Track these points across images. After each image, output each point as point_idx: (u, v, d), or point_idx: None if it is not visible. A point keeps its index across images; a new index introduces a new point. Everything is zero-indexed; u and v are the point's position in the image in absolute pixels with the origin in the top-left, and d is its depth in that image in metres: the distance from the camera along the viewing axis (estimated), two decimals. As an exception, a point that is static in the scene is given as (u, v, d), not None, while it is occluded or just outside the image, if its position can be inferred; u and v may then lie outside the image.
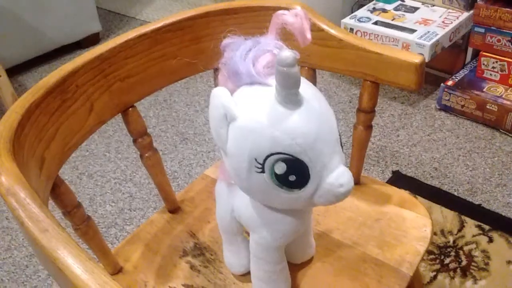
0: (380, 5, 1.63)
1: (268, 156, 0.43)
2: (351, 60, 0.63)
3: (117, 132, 1.59)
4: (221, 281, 0.64)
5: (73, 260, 0.36)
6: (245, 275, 0.63)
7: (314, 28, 0.64)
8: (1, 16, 1.76)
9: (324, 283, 0.62)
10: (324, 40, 0.64)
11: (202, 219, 0.73)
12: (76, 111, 0.57)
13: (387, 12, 1.59)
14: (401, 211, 0.70)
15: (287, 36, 0.47)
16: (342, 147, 0.47)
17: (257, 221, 0.53)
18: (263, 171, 0.44)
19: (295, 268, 0.63)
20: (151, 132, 1.57)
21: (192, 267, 0.66)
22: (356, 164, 0.73)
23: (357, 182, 0.75)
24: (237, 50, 0.46)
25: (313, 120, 0.43)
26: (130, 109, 0.65)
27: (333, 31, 0.63)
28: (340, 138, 0.46)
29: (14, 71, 1.85)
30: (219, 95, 0.44)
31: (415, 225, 0.68)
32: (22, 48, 1.85)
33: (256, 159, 0.43)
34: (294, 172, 0.43)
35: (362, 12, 1.60)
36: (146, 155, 0.68)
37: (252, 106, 0.44)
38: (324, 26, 0.63)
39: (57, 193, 0.56)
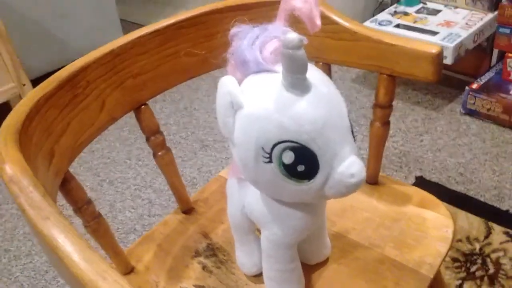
0: (401, 8, 1.61)
1: (275, 145, 0.41)
2: (366, 53, 0.62)
3: (138, 140, 1.60)
4: (233, 282, 0.62)
5: (73, 248, 0.35)
6: (258, 276, 0.61)
7: (327, 21, 0.62)
8: (28, 27, 1.81)
9: (340, 285, 0.59)
10: (337, 33, 0.62)
11: (215, 220, 0.71)
12: (87, 106, 0.57)
13: (408, 15, 1.56)
14: (421, 211, 0.67)
15: (296, 25, 0.46)
16: (354, 137, 0.45)
17: (267, 217, 0.51)
18: (270, 161, 0.42)
19: (310, 269, 0.61)
20: (171, 139, 1.58)
21: (204, 267, 0.64)
22: (374, 163, 0.70)
23: (375, 182, 0.72)
24: (245, 38, 0.45)
25: (321, 106, 0.41)
26: (143, 106, 0.64)
27: (346, 24, 0.61)
28: (352, 127, 0.45)
29: (39, 82, 1.89)
30: (226, 83, 0.43)
31: (435, 225, 0.65)
32: (47, 58, 1.89)
33: (263, 148, 0.42)
34: (302, 162, 0.42)
35: (383, 15, 1.58)
36: (159, 153, 0.67)
37: (259, 93, 0.42)
38: (337, 19, 0.62)
39: (67, 189, 0.55)
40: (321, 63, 0.67)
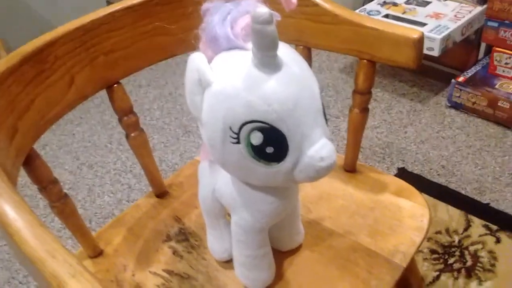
0: (390, -1, 1.59)
1: (243, 125, 0.40)
2: (347, 37, 0.60)
3: (120, 124, 1.58)
4: (203, 267, 0.61)
5: (23, 225, 0.34)
6: (229, 262, 0.59)
7: (308, 3, 0.60)
8: (12, 5, 1.77)
9: (312, 272, 0.58)
10: (318, 15, 0.61)
11: (189, 204, 0.70)
12: (54, 83, 0.55)
13: (397, 5, 1.55)
14: (397, 200, 0.66)
15: (274, 6, 0.44)
16: (326, 120, 0.43)
17: (237, 201, 0.50)
18: (238, 142, 0.41)
19: (282, 255, 0.60)
20: (154, 125, 1.55)
21: (174, 252, 0.63)
22: (352, 151, 0.69)
23: (353, 169, 0.71)
24: (216, 13, 0.43)
25: (292, 85, 0.39)
26: (115, 85, 0.62)
27: (327, 6, 0.59)
28: (324, 110, 0.43)
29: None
30: (194, 59, 0.41)
31: (411, 214, 0.64)
32: (29, 36, 1.85)
33: (230, 128, 0.40)
34: (271, 143, 0.40)
35: (372, 5, 1.56)
36: (132, 134, 0.65)
37: (228, 70, 0.41)
38: (318, 0, 0.60)
39: (32, 167, 0.53)
40: (301, 47, 0.65)
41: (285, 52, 0.41)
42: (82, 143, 1.52)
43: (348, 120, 0.67)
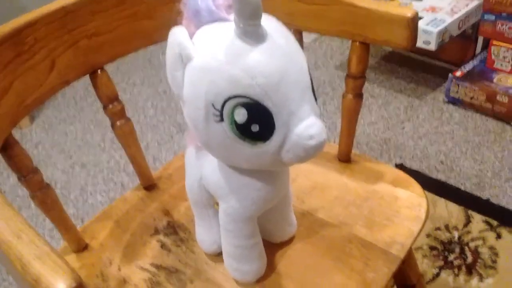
0: (386, -6, 1.57)
1: (226, 100, 0.37)
2: (339, 19, 0.58)
3: (113, 122, 1.55)
4: (192, 261, 0.58)
5: (-13, 205, 0.31)
6: (219, 255, 0.57)
7: (298, -16, 0.58)
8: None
9: (305, 264, 0.56)
10: (309, -3, 0.58)
11: (178, 197, 0.67)
12: (34, 66, 0.53)
13: (394, 0, 1.53)
14: (394, 189, 0.64)
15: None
16: (315, 97, 0.41)
17: (224, 188, 0.47)
18: (221, 119, 0.38)
19: (274, 247, 0.57)
20: (148, 123, 1.53)
21: (162, 246, 0.60)
22: (346, 139, 0.67)
23: (347, 159, 0.69)
24: (198, -14, 0.40)
25: (277, 58, 0.37)
26: (99, 71, 0.60)
27: (318, -14, 0.57)
28: (313, 87, 0.41)
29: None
30: (175, 33, 0.39)
31: (408, 204, 0.61)
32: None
33: (213, 104, 0.38)
34: (256, 121, 0.38)
35: (367, 1, 1.54)
36: (118, 123, 0.63)
37: (209, 43, 0.38)
38: (309, -19, 0.58)
39: (10, 155, 0.51)
40: (292, 30, 0.63)
41: (271, 24, 0.39)
42: (75, 142, 1.49)
43: (342, 107, 0.64)
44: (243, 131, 0.38)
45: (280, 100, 0.37)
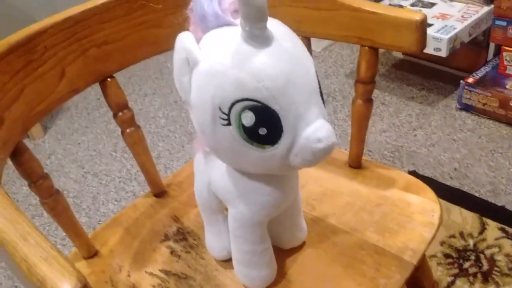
0: (396, 1, 1.57)
1: (233, 104, 0.37)
2: (346, 24, 0.58)
3: (125, 132, 1.56)
4: (202, 267, 0.58)
5: (-5, 209, 0.31)
6: (229, 261, 0.56)
7: (306, -10, 0.58)
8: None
9: (316, 271, 0.55)
10: (316, 2, 0.58)
11: (188, 204, 0.67)
12: (44, 74, 0.53)
13: (403, 8, 1.52)
14: (406, 195, 0.63)
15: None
16: (323, 100, 0.41)
17: (233, 193, 0.47)
18: (229, 123, 0.38)
19: (283, 253, 0.57)
20: (159, 132, 1.54)
21: (172, 252, 0.60)
22: (357, 145, 0.66)
23: (358, 165, 0.68)
24: (204, -9, 0.41)
25: (283, 61, 0.37)
26: (109, 79, 0.60)
27: (326, -9, 0.57)
28: (321, 90, 0.41)
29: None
30: (181, 38, 0.39)
31: (421, 210, 0.61)
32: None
33: (220, 108, 0.38)
34: (264, 124, 0.37)
35: (377, 8, 1.54)
36: (127, 131, 0.63)
37: (216, 47, 0.38)
38: (316, -14, 0.58)
39: (20, 161, 0.51)
40: (300, 37, 0.63)
41: (277, 28, 0.39)
42: (87, 152, 1.50)
43: (352, 113, 0.64)
44: (250, 134, 0.38)
45: (287, 103, 0.37)
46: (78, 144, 1.54)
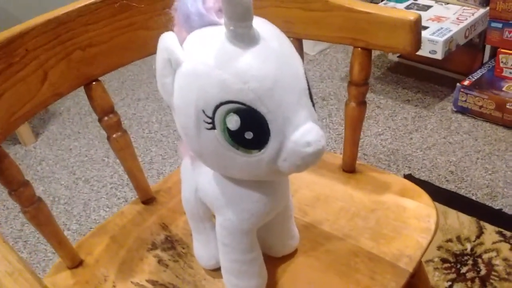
0: (391, 4, 1.56)
1: (217, 107, 0.35)
2: (339, 25, 0.56)
3: (118, 137, 1.54)
4: (190, 276, 0.56)
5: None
6: (218, 271, 0.54)
7: (296, -11, 0.57)
8: None
9: (308, 280, 0.53)
10: (308, 3, 0.57)
11: (177, 211, 0.65)
12: (25, 78, 0.51)
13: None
14: (401, 200, 0.61)
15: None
16: (313, 102, 0.39)
17: (220, 200, 0.45)
18: (213, 127, 0.36)
19: (275, 262, 0.55)
20: (153, 137, 1.51)
21: (160, 261, 0.58)
22: (350, 149, 0.64)
23: (352, 170, 0.66)
24: (188, -10, 0.39)
25: (270, 61, 0.35)
26: (94, 83, 0.59)
27: (317, -9, 0.56)
28: (310, 91, 0.39)
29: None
30: (164, 39, 0.37)
31: (417, 215, 0.59)
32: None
33: (204, 111, 0.36)
34: (250, 127, 0.36)
35: (371, 11, 1.52)
36: (114, 136, 0.61)
37: (199, 47, 0.36)
38: (307, -14, 0.56)
39: (0, 168, 0.49)
40: (291, 38, 0.61)
41: (264, 27, 0.37)
42: (78, 158, 1.48)
43: (345, 116, 0.62)
44: (236, 138, 0.36)
45: (274, 106, 0.35)
46: (70, 150, 1.52)
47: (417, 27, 0.51)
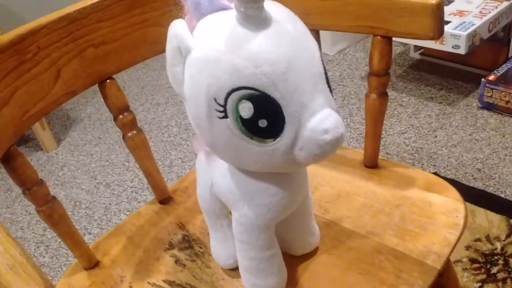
0: None
1: (229, 93, 0.34)
2: (356, 13, 0.54)
3: (137, 142, 1.54)
4: (208, 276, 0.54)
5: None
6: (235, 270, 0.53)
7: (311, -22, 0.55)
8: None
9: (329, 278, 0.51)
10: (323, -8, 0.55)
11: (194, 210, 0.64)
12: (37, 76, 0.51)
13: (418, 6, 1.48)
14: (427, 195, 0.58)
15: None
16: (330, 88, 0.37)
17: (236, 194, 0.43)
18: (225, 116, 0.35)
19: (294, 260, 0.53)
20: (172, 141, 1.51)
21: (177, 261, 0.57)
22: (372, 143, 0.62)
23: (374, 165, 0.64)
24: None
25: (283, 44, 0.33)
26: (108, 81, 0.58)
27: (332, -21, 0.54)
28: (327, 76, 0.37)
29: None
30: (173, 26, 0.36)
31: (444, 210, 0.56)
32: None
33: (215, 99, 0.34)
34: (264, 115, 0.34)
35: (391, 7, 1.49)
36: (129, 134, 0.60)
37: (209, 33, 0.35)
38: (322, -26, 0.54)
39: (13, 167, 0.49)
40: (309, 29, 0.59)
41: (277, 9, 0.35)
42: (99, 163, 1.49)
43: (365, 108, 0.60)
44: (249, 127, 0.35)
45: (289, 91, 0.33)
46: (91, 155, 1.53)
47: (439, 11, 0.49)
